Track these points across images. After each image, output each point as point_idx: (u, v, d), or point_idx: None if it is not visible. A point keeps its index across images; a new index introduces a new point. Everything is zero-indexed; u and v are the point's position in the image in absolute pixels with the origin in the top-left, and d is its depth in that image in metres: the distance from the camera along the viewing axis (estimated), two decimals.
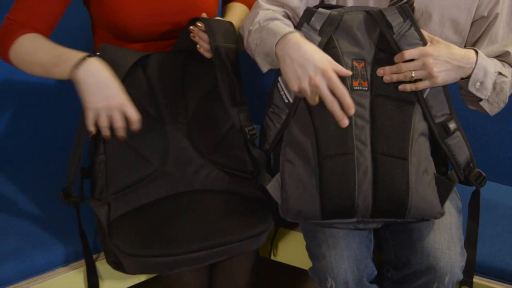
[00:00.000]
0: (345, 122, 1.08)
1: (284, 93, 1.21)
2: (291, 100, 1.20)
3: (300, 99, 1.19)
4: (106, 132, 1.14)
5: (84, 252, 1.25)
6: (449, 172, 1.23)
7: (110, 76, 1.14)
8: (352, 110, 1.07)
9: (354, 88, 1.17)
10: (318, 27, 1.19)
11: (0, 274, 1.21)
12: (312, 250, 1.25)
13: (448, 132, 1.20)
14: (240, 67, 1.28)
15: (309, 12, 1.20)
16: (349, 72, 1.11)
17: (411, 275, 1.21)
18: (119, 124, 1.14)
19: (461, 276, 1.20)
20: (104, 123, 1.13)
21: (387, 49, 1.18)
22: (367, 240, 1.25)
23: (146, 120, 1.21)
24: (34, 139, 1.69)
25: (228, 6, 1.48)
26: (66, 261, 1.29)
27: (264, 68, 1.21)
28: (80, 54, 1.15)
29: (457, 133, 1.21)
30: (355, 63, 1.18)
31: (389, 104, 1.17)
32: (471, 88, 1.18)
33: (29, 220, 1.36)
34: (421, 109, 1.18)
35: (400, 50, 1.17)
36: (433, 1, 1.22)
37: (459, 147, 1.22)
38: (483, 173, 1.23)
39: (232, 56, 1.25)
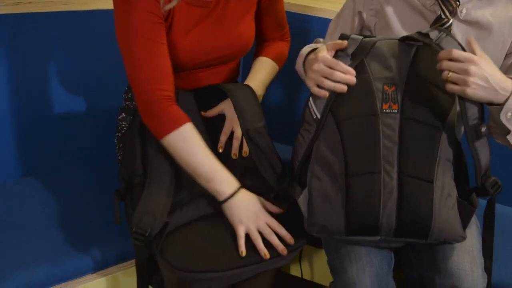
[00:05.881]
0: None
1: (313, 110, 1.23)
2: (319, 116, 1.22)
3: (327, 114, 1.22)
4: (261, 246, 1.24)
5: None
6: (471, 196, 1.24)
7: (261, 201, 1.29)
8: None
9: (384, 110, 1.20)
10: (350, 52, 1.22)
11: (31, 277, 1.25)
12: (334, 264, 1.28)
13: (478, 136, 1.19)
14: (272, 140, 1.33)
15: (342, 39, 1.24)
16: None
17: None
18: (270, 236, 1.25)
19: None
20: (255, 236, 1.24)
21: (419, 74, 1.21)
22: (388, 258, 1.28)
23: None
24: (72, 148, 1.71)
25: (258, 60, 1.52)
26: (95, 269, 1.33)
27: None
28: (231, 183, 1.27)
29: (485, 138, 1.21)
30: (386, 87, 1.22)
31: (418, 128, 1.19)
32: (502, 116, 1.18)
33: (62, 226, 1.40)
34: (447, 136, 1.19)
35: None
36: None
37: (485, 151, 1.21)
38: (498, 181, 1.23)
39: (263, 132, 1.32)
